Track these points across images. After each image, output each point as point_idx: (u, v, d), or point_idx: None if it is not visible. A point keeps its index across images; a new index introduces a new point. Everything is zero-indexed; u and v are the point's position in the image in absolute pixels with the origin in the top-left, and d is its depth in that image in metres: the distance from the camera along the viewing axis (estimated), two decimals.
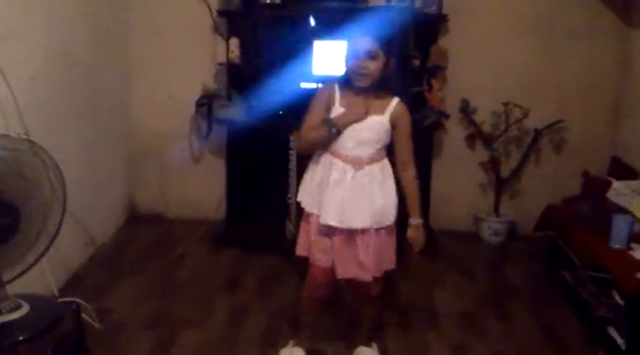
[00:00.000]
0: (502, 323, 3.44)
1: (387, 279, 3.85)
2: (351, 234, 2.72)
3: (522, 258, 4.30)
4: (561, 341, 3.27)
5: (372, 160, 2.70)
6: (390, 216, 2.76)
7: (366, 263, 2.73)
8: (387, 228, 2.79)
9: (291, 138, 2.90)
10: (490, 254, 4.41)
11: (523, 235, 4.56)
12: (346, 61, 2.66)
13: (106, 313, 3.35)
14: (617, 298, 3.04)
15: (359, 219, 2.69)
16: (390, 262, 2.86)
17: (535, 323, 3.44)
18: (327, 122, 2.66)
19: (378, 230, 2.74)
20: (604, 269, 3.14)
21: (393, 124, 2.70)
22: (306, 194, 2.80)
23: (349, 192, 2.68)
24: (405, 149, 2.75)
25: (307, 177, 2.83)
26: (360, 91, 2.67)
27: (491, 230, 4.50)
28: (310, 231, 2.80)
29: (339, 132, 2.66)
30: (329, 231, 2.74)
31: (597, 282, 3.27)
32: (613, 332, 3.10)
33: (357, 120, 2.65)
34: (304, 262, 2.86)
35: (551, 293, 3.78)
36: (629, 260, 3.13)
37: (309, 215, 2.80)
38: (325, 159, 2.74)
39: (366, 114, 2.64)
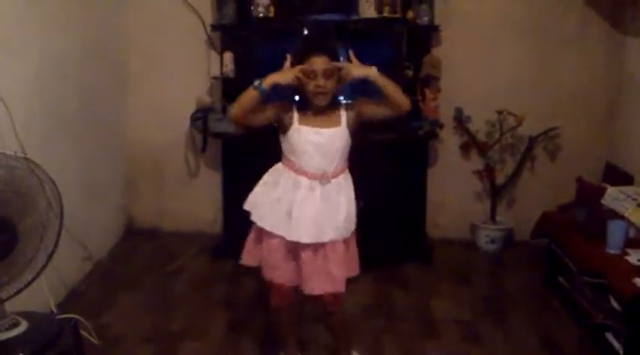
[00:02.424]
0: (500, 330, 3.44)
1: (384, 288, 3.89)
2: (318, 248, 2.72)
3: (519, 265, 4.30)
4: (559, 348, 3.28)
5: (337, 172, 2.73)
6: (354, 223, 2.80)
7: (338, 274, 2.73)
8: (352, 235, 2.83)
9: None
10: (487, 261, 4.42)
11: (520, 242, 4.56)
12: (304, 82, 2.66)
13: (105, 328, 3.36)
14: (614, 303, 3.05)
15: (330, 231, 2.70)
16: (354, 268, 2.88)
17: (533, 330, 3.44)
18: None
19: (345, 239, 2.77)
20: (600, 274, 3.15)
21: (354, 119, 2.73)
22: (264, 212, 2.76)
23: (319, 207, 2.69)
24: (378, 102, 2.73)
25: (261, 190, 2.80)
26: (317, 111, 2.72)
27: (488, 238, 4.51)
28: (264, 248, 2.79)
29: (262, 88, 2.63)
30: (291, 249, 2.74)
31: (594, 288, 3.28)
32: (611, 338, 3.12)
33: (281, 81, 2.65)
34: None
35: (548, 300, 3.79)
36: (625, 265, 3.15)
37: (263, 231, 2.77)
38: (288, 176, 2.74)
39: (294, 80, 2.65)
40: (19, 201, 2.44)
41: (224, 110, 4.35)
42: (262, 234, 2.80)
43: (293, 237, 2.68)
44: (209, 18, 4.44)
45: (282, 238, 2.72)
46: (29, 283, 2.51)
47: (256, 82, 2.65)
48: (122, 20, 4.52)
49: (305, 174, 2.70)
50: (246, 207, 2.82)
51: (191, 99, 4.39)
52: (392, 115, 2.73)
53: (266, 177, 2.83)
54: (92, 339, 3.16)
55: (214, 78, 4.44)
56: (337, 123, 2.72)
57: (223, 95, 4.41)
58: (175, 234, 4.75)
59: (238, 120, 2.77)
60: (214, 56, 4.45)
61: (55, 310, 3.17)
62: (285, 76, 2.66)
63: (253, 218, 2.79)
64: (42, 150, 3.13)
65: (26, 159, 2.52)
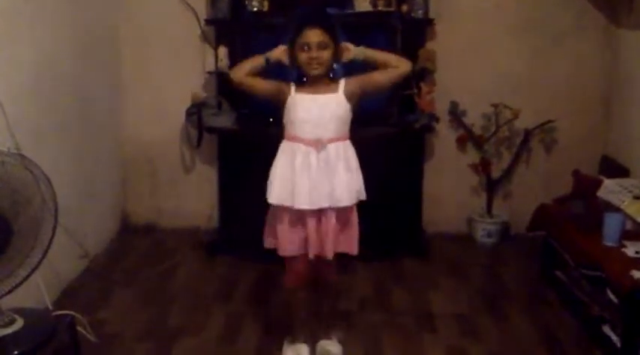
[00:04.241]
0: (497, 324, 3.44)
1: (381, 282, 3.89)
2: (319, 214, 2.81)
3: (516, 259, 4.30)
4: (557, 341, 3.28)
5: (332, 140, 2.79)
6: (353, 197, 2.85)
7: (327, 239, 2.82)
8: (350, 209, 2.87)
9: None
10: (484, 255, 4.42)
11: (516, 235, 4.56)
12: (297, 54, 2.77)
13: (101, 325, 3.35)
14: (611, 296, 3.06)
15: (325, 197, 2.77)
16: (349, 245, 2.94)
17: (530, 324, 3.44)
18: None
19: (340, 209, 2.82)
20: (597, 267, 3.15)
21: (352, 92, 2.80)
22: (273, 188, 2.85)
23: (315, 173, 2.76)
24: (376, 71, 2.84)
25: (273, 173, 2.88)
26: (314, 80, 2.79)
27: (485, 231, 4.51)
28: (277, 223, 2.88)
29: (268, 57, 2.81)
30: (299, 217, 2.82)
31: (591, 281, 3.28)
32: (608, 331, 3.12)
33: (277, 55, 2.82)
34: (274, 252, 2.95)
35: (545, 293, 3.79)
36: (622, 257, 3.15)
37: (276, 207, 2.86)
38: (288, 146, 2.83)
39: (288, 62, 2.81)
40: (13, 197, 2.42)
41: (219, 105, 4.34)
42: (275, 212, 2.89)
43: (296, 204, 2.77)
44: (203, 12, 4.42)
45: (288, 209, 2.80)
46: (24, 280, 2.49)
47: (266, 58, 2.83)
48: (116, 16, 4.49)
49: (301, 140, 2.78)
50: (268, 195, 2.89)
51: (186, 95, 4.38)
52: (396, 78, 2.81)
53: (274, 161, 2.90)
54: (88, 336, 3.15)
55: (209, 72, 4.42)
56: (334, 91, 2.80)
57: (218, 90, 4.40)
58: (171, 229, 4.74)
59: (237, 74, 2.85)
60: (209, 51, 4.43)
61: (50, 307, 3.16)
62: (277, 49, 2.82)
63: (270, 199, 2.86)
64: (36, 146, 3.12)
65: (20, 155, 2.51)
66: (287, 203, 2.79)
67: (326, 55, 2.73)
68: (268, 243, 2.97)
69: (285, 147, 2.85)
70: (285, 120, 2.86)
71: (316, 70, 2.76)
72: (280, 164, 2.84)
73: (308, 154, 2.77)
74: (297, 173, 2.76)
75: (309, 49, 2.72)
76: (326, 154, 2.77)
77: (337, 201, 2.79)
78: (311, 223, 2.81)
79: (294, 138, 2.80)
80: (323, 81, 2.81)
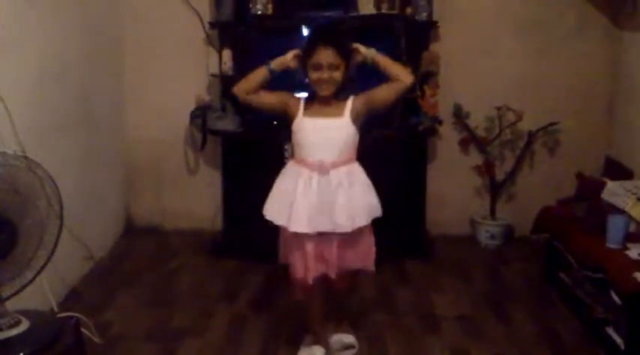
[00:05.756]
0: (501, 325, 3.44)
1: (385, 283, 3.89)
2: (320, 238, 2.79)
3: (520, 261, 4.30)
4: (560, 343, 3.27)
5: (336, 164, 2.78)
6: (357, 220, 2.81)
7: (330, 260, 2.81)
8: (356, 232, 2.84)
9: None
10: (487, 257, 4.42)
11: (520, 238, 4.56)
12: (307, 74, 2.78)
13: (106, 327, 3.36)
14: (615, 298, 3.06)
15: (325, 221, 2.75)
16: (364, 262, 2.94)
17: (534, 325, 3.44)
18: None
19: (343, 233, 2.80)
20: (601, 269, 3.16)
21: (358, 111, 2.79)
22: (273, 206, 2.85)
23: (316, 198, 2.75)
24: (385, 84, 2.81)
25: (274, 190, 2.88)
26: (323, 100, 2.79)
27: (488, 233, 4.51)
28: (285, 242, 2.90)
29: (272, 68, 2.81)
30: (301, 239, 2.80)
31: (595, 283, 3.29)
32: (612, 332, 3.12)
33: (284, 63, 2.80)
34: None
35: (549, 295, 3.79)
36: (626, 260, 3.15)
37: (283, 227, 2.85)
38: (292, 168, 2.83)
39: (294, 60, 2.80)
40: (19, 200, 2.43)
41: (223, 108, 4.35)
42: (283, 230, 2.89)
43: (292, 227, 2.76)
44: (207, 15, 4.43)
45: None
46: (30, 282, 2.51)
47: (269, 65, 2.81)
48: (120, 19, 4.51)
49: (306, 164, 2.78)
50: (265, 212, 2.89)
51: (190, 97, 4.40)
52: (398, 91, 2.78)
53: (277, 179, 2.90)
54: (93, 337, 3.16)
55: (213, 75, 4.44)
56: (340, 115, 2.78)
57: (222, 93, 4.41)
58: (175, 231, 4.76)
59: (241, 93, 2.85)
60: (213, 53, 4.44)
61: (56, 308, 3.17)
62: (285, 57, 2.80)
63: (269, 217, 2.86)
64: (41, 148, 3.12)
65: (26, 158, 2.52)
66: (282, 223, 2.80)
67: (337, 75, 2.73)
68: (282, 258, 3.00)
69: (290, 168, 2.86)
70: (293, 141, 2.86)
71: (326, 90, 2.76)
72: (282, 184, 2.84)
73: (310, 178, 2.76)
74: (297, 197, 2.75)
75: (321, 69, 2.72)
76: (329, 178, 2.76)
77: (337, 226, 2.76)
78: (309, 247, 2.80)
79: (300, 161, 2.81)
80: (330, 102, 2.80)
